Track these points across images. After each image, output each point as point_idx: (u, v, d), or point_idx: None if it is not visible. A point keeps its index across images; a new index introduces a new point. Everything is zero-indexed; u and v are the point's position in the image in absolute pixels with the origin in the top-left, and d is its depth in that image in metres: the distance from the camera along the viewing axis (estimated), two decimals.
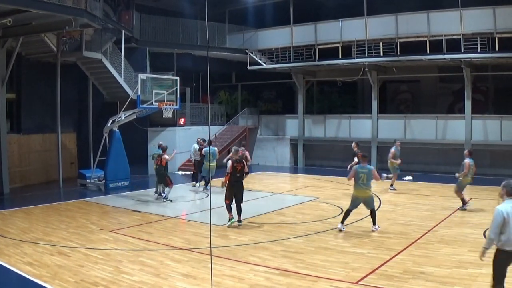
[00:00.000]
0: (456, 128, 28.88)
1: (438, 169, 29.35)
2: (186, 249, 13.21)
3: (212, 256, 10.87)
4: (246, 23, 35.21)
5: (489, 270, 10.86)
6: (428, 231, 15.18)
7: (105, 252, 12.92)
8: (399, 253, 12.70)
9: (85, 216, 17.93)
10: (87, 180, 24.92)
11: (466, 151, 19.72)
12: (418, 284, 10.28)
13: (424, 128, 29.70)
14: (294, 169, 32.94)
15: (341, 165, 30.87)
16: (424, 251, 12.90)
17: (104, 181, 24.32)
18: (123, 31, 28.05)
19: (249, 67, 34.57)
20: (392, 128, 30.45)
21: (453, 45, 27.50)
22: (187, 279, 10.78)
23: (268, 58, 34.32)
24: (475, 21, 27.03)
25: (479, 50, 26.76)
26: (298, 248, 13.28)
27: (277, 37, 33.90)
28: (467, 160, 18.95)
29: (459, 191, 18.96)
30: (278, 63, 33.48)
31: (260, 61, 34.04)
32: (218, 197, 20.23)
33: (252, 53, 34.29)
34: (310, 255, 12.47)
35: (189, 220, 17.37)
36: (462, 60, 27.44)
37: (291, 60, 32.92)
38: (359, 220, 16.73)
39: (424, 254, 12.60)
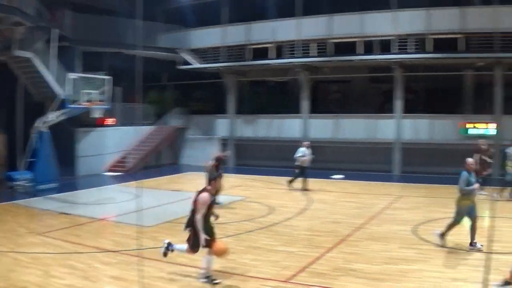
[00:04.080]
0: (386, 127, 29.16)
1: (368, 167, 29.49)
2: (115, 251, 12.75)
3: (141, 258, 10.77)
4: (179, 22, 34.66)
5: (421, 266, 10.96)
6: (358, 228, 15.16)
7: (35, 256, 12.28)
8: (329, 250, 12.59)
9: (14, 219, 17.08)
10: (15, 182, 23.91)
11: None
12: (348, 281, 10.19)
13: (354, 128, 29.81)
14: (224, 169, 32.46)
15: (272, 165, 30.83)
16: (354, 248, 12.84)
17: (32, 183, 23.42)
18: (55, 30, 27.11)
19: (180, 67, 34.08)
20: (323, 127, 30.48)
21: (386, 45, 27.86)
22: (116, 282, 10.41)
23: (200, 58, 33.87)
24: (408, 22, 27.54)
25: (410, 50, 27.22)
26: (228, 248, 12.95)
27: (209, 36, 33.54)
28: None
29: None
30: (210, 63, 33.11)
31: (191, 61, 33.56)
32: (147, 198, 19.72)
33: (184, 52, 33.79)
34: (240, 255, 12.18)
35: (118, 222, 16.79)
36: (394, 60, 27.83)
37: (223, 60, 32.64)
38: (289, 219, 16.62)
39: (354, 251, 12.54)
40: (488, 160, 21.31)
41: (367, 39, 28.45)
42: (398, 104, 28.90)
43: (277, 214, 17.44)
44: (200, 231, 9.89)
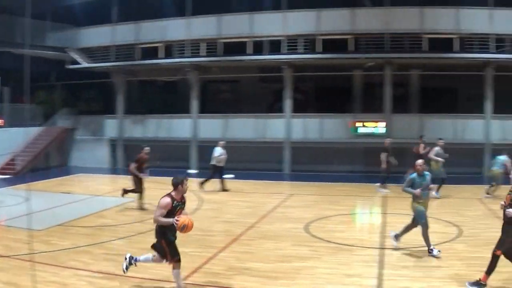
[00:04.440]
0: (276, 127, 29.42)
1: (258, 166, 29.60)
2: (6, 257, 12.01)
3: (33, 263, 10.26)
4: (68, 21, 33.43)
5: (314, 263, 10.95)
6: (250, 227, 15.08)
7: None
8: (222, 250, 12.46)
9: None
10: None
11: None
12: (243, 280, 10.08)
13: (244, 127, 29.88)
14: (114, 171, 31.82)
15: (162, 165, 30.31)
16: (247, 247, 12.76)
17: None
18: None
19: (68, 66, 32.94)
20: (213, 127, 30.35)
21: (275, 45, 28.19)
22: None
23: (89, 57, 32.87)
24: (298, 22, 27.97)
25: (300, 51, 27.75)
26: (120, 250, 12.50)
27: (98, 35, 32.58)
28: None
29: None
30: (99, 62, 32.26)
31: (80, 60, 32.51)
32: (37, 201, 18.84)
33: (72, 52, 32.66)
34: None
35: (8, 226, 15.87)
36: (283, 60, 28.17)
37: (113, 59, 31.89)
38: None
39: (247, 250, 12.46)
40: (393, 160, 21.92)
41: (256, 39, 28.60)
42: (288, 103, 29.24)
43: None
44: (165, 221, 9.39)
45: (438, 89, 29.33)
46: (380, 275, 10.39)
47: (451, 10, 27.00)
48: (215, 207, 18.78)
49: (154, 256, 9.90)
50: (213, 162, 22.60)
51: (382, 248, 12.31)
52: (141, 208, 17.92)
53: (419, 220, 12.04)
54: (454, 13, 26.91)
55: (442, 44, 27.06)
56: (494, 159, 20.98)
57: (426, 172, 12.34)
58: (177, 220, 9.27)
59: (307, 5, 27.84)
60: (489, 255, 10.74)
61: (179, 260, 9.56)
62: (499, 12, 26.72)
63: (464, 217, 16.72)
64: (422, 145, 21.82)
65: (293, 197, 20.78)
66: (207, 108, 32.01)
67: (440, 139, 21.24)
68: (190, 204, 18.67)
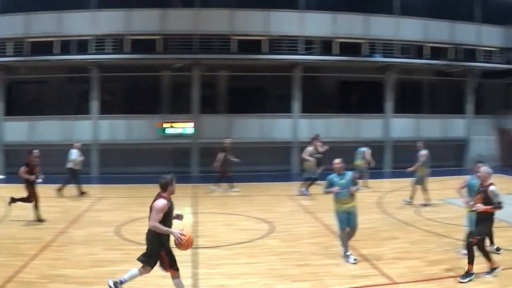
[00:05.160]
0: (82, 129, 29.01)
1: (65, 170, 28.83)
2: None
3: None
4: None
5: (127, 266, 11.15)
6: (61, 233, 14.90)
7: None
8: (33, 258, 12.19)
9: None
10: None
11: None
12: (57, 287, 10.06)
13: (50, 130, 29.01)
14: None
15: None
16: (59, 253, 12.63)
17: None
18: None
19: None
20: (18, 130, 29.19)
21: (83, 45, 28.03)
22: None
23: None
24: (107, 22, 28.00)
25: (108, 51, 27.76)
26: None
27: None
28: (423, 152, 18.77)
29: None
30: None
31: None
32: None
33: None
34: None
35: None
36: (90, 61, 27.99)
37: None
38: None
39: (59, 256, 12.33)
40: (233, 159, 22.44)
41: (64, 38, 28.03)
42: (95, 104, 29.02)
43: None
44: (165, 230, 8.93)
45: (247, 89, 30.70)
46: (195, 274, 10.84)
47: (260, 12, 28.47)
48: (23, 213, 18.12)
49: (140, 269, 9.44)
50: (69, 166, 21.91)
51: (195, 247, 12.74)
52: (39, 219, 16.61)
53: (338, 224, 11.91)
54: (263, 15, 28.37)
55: (251, 45, 28.37)
56: (356, 152, 22.67)
57: (348, 172, 11.95)
58: (181, 235, 8.96)
59: (117, 5, 27.82)
60: (302, 249, 11.61)
61: (178, 269, 9.32)
62: (308, 15, 28.74)
63: (275, 213, 17.74)
64: (319, 144, 22.86)
65: (103, 200, 20.79)
66: (13, 110, 30.64)
67: (315, 138, 22.86)
68: None
